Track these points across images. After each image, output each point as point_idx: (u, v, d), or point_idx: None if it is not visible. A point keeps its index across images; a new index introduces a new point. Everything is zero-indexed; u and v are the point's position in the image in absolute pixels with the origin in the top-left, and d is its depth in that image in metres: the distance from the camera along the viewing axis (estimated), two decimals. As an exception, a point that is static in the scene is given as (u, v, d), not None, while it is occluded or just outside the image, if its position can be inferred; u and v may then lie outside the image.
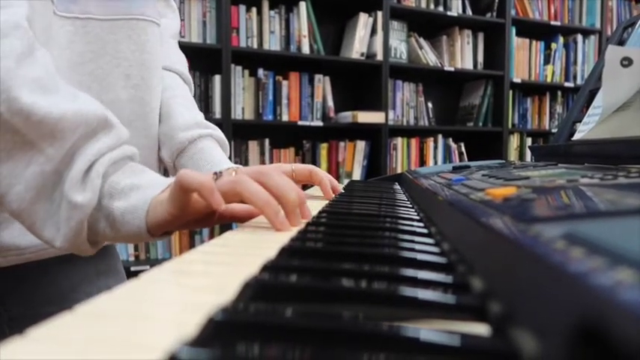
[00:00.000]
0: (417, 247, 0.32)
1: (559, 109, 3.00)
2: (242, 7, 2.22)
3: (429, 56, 2.59)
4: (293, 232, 0.39)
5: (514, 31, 2.76)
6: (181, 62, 0.74)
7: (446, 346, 0.16)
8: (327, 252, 0.30)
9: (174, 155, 0.65)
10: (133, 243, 2.01)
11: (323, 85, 2.44)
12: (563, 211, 0.24)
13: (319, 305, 0.21)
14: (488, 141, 2.80)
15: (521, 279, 0.19)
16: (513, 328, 0.17)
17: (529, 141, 2.93)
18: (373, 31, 2.42)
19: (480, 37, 2.77)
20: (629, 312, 0.11)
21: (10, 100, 0.40)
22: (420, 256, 0.28)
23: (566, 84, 2.91)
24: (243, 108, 2.29)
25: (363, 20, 2.41)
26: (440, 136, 2.72)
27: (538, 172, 0.47)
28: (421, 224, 0.42)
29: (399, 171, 2.56)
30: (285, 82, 2.35)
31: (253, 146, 2.35)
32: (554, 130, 2.91)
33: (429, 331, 0.17)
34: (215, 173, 0.46)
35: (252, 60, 2.29)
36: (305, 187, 0.80)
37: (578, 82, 2.95)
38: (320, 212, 0.48)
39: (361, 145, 2.49)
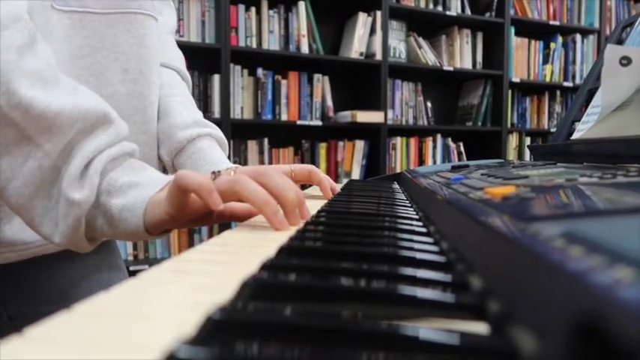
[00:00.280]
0: (416, 246, 0.32)
1: (558, 108, 3.01)
2: (241, 7, 2.22)
3: (428, 56, 2.59)
4: (292, 231, 0.39)
5: (513, 30, 2.76)
6: (179, 59, 0.73)
7: (445, 344, 0.16)
8: (326, 251, 0.30)
9: (173, 154, 0.65)
10: (132, 241, 2.00)
11: (322, 84, 2.44)
12: (562, 210, 0.25)
13: (318, 304, 0.21)
14: (487, 140, 2.81)
15: (520, 278, 0.19)
16: (512, 327, 0.17)
17: (528, 140, 2.93)
18: (372, 31, 2.42)
19: (479, 36, 2.77)
20: (628, 310, 0.11)
21: (10, 93, 0.40)
22: (419, 255, 0.28)
23: (565, 83, 2.92)
24: (242, 107, 2.28)
25: (362, 20, 2.41)
26: (439, 136, 2.72)
27: (537, 171, 0.47)
28: (420, 223, 0.42)
29: (398, 170, 2.56)
30: (284, 82, 2.35)
31: (252, 146, 2.35)
32: (553, 130, 2.91)
33: (428, 329, 0.17)
34: (214, 172, 0.46)
35: (251, 59, 2.28)
36: (303, 187, 0.80)
37: (577, 81, 2.95)
38: (319, 211, 0.48)
39: (360, 144, 2.49)
